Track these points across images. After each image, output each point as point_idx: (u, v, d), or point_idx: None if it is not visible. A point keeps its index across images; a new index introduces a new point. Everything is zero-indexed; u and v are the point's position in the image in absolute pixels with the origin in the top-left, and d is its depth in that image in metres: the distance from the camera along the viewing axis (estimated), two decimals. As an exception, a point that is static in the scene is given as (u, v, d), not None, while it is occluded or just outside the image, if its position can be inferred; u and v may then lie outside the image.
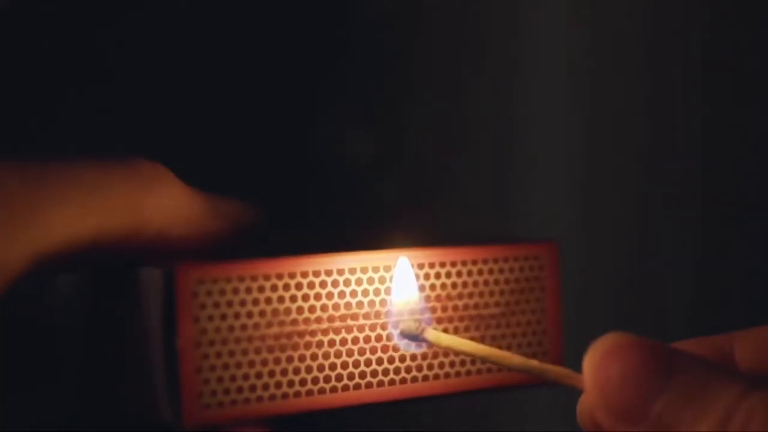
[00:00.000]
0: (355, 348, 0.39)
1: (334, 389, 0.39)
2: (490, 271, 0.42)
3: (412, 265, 0.40)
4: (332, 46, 0.56)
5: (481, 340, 0.41)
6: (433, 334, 0.38)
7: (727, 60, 0.61)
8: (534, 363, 0.35)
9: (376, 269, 0.40)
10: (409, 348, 0.40)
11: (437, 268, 0.41)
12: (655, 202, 0.62)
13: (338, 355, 0.39)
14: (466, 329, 0.41)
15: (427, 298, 0.40)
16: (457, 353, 0.40)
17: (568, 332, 0.44)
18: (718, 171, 0.62)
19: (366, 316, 0.40)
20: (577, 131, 0.61)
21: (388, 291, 0.40)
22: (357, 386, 0.39)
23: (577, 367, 0.33)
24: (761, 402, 0.30)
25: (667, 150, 0.61)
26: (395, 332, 0.39)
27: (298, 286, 0.39)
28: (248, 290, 0.38)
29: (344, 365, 0.39)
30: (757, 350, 0.36)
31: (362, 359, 0.39)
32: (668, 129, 0.61)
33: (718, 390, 0.30)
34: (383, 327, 0.40)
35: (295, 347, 0.38)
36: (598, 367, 0.32)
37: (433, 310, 0.41)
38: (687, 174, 0.61)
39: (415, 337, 0.38)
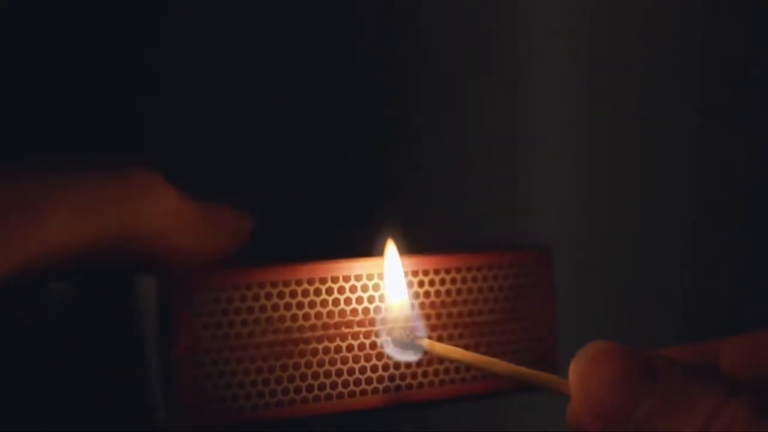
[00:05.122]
0: (350, 355, 0.39)
1: (328, 396, 0.39)
2: (484, 278, 0.42)
3: (405, 273, 0.40)
4: (334, 49, 0.56)
5: (476, 347, 0.41)
6: (426, 343, 0.38)
7: (726, 60, 0.61)
8: (522, 369, 0.35)
9: (370, 276, 0.40)
10: (399, 357, 0.40)
11: (431, 275, 0.41)
12: (657, 206, 0.61)
13: (333, 362, 0.39)
14: (461, 336, 0.41)
15: (420, 306, 0.40)
16: (448, 361, 0.40)
17: (569, 336, 0.44)
18: (718, 173, 0.61)
19: (360, 323, 0.40)
20: (576, 134, 0.61)
21: (382, 298, 0.40)
22: (351, 393, 0.39)
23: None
24: (742, 408, 0.30)
25: (669, 153, 0.61)
26: (386, 341, 0.40)
27: (293, 294, 0.39)
28: (243, 298, 0.38)
29: (339, 372, 0.39)
30: (742, 357, 0.36)
31: (357, 366, 0.40)
32: (668, 131, 0.61)
33: (699, 396, 0.31)
34: (377, 334, 0.40)
35: (290, 355, 0.39)
36: (583, 374, 0.32)
37: (427, 317, 0.41)
38: (687, 176, 0.61)
39: (406, 345, 0.38)
